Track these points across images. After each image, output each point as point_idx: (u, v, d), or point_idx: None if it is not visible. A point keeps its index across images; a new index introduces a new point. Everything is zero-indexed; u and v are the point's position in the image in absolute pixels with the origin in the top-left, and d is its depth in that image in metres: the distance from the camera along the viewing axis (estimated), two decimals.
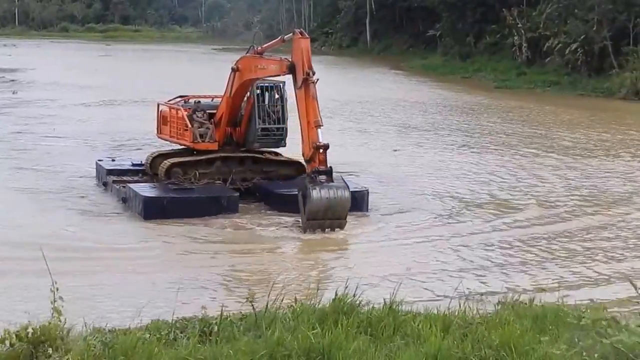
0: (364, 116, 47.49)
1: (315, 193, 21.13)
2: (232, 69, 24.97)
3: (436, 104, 55.78)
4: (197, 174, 25.21)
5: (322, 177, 21.48)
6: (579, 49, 65.58)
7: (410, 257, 19.94)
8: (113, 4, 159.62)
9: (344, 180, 22.03)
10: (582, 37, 65.35)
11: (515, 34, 75.49)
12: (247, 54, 25.15)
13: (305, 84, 21.83)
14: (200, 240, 21.00)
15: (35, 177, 28.37)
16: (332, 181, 21.60)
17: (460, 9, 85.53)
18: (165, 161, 25.66)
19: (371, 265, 18.99)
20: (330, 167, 21.77)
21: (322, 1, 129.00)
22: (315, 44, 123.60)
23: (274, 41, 24.83)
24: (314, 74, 21.89)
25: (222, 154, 25.67)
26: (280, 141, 25.35)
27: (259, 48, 24.72)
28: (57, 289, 9.14)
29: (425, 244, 21.32)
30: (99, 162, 28.10)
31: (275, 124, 25.04)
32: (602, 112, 52.64)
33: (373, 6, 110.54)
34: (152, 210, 22.60)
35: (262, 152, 26.20)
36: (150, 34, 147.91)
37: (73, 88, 59.59)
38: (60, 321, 9.12)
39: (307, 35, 22.99)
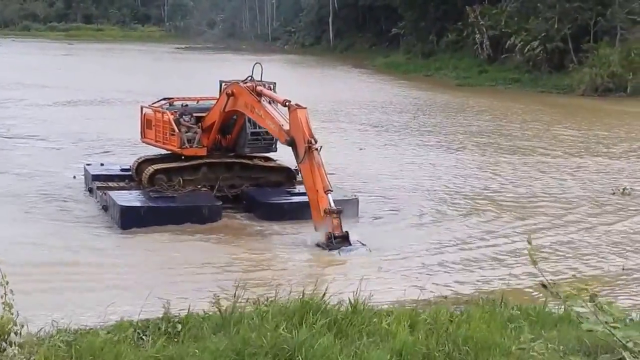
0: (338, 115, 47.44)
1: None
2: (226, 94, 23.72)
3: (406, 103, 55.68)
4: (182, 180, 24.30)
5: (339, 242, 20.23)
6: (539, 46, 66.19)
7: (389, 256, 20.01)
8: (75, 3, 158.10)
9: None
10: (542, 35, 65.97)
11: (477, 32, 75.98)
12: (242, 84, 23.49)
13: (309, 152, 20.81)
14: (176, 248, 20.64)
15: (10, 182, 27.48)
16: (350, 245, 20.33)
17: (422, 7, 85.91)
18: (148, 167, 24.74)
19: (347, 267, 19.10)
20: (347, 231, 20.52)
21: (285, 0, 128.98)
22: (278, 42, 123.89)
23: (275, 95, 23.16)
24: (316, 141, 20.94)
25: (209, 160, 24.74)
26: (271, 145, 24.52)
27: (259, 88, 23.06)
28: (7, 283, 9.11)
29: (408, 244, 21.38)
30: (87, 167, 27.22)
31: (265, 128, 23.96)
32: (578, 109, 53.00)
33: (336, 5, 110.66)
34: (130, 220, 21.84)
35: (251, 158, 25.27)
36: (113, 33, 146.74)
37: (36, 88, 58.98)
38: (11, 314, 9.10)
39: (304, 106, 21.71)
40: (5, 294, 9.17)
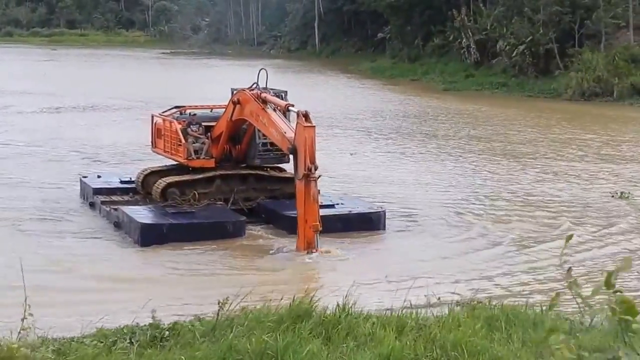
0: (338, 122, 46.99)
1: None
2: (232, 102, 22.88)
3: (402, 110, 54.95)
4: (197, 194, 23.23)
5: None
6: (525, 51, 66.37)
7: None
8: (58, 8, 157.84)
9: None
10: (528, 39, 66.17)
11: (464, 36, 76.08)
12: (248, 91, 22.66)
13: (306, 180, 20.13)
14: (189, 260, 20.20)
15: (5, 194, 26.45)
16: None
17: (407, 12, 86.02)
18: (160, 181, 23.65)
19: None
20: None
21: (270, 4, 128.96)
22: (264, 47, 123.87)
23: (278, 100, 22.32)
24: (316, 169, 20.23)
25: (222, 172, 23.74)
26: (284, 156, 23.32)
27: (263, 95, 22.24)
28: (29, 306, 8.83)
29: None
30: (84, 179, 26.06)
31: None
32: (581, 114, 52.46)
33: (321, 9, 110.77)
34: (150, 238, 20.88)
35: (266, 169, 24.34)
36: (97, 38, 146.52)
37: (22, 95, 58.40)
38: (27, 339, 8.86)
39: (313, 122, 20.59)
40: (24, 317, 8.89)
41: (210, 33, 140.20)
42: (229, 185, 23.79)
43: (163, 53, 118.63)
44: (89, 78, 73.55)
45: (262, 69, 23.17)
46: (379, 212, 23.26)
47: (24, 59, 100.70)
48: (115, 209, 22.93)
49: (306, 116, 20.46)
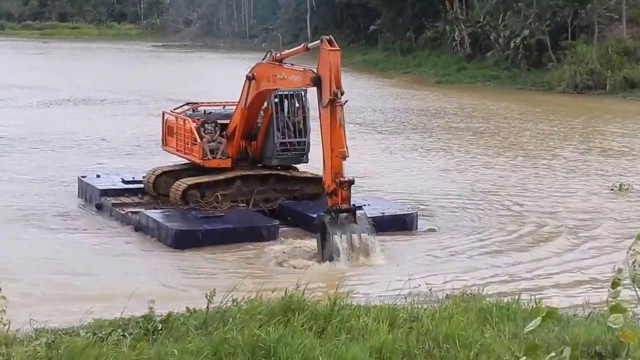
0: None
1: (337, 239, 19.12)
2: (247, 77, 22.25)
3: (399, 105, 54.32)
4: (219, 196, 22.50)
5: (344, 216, 19.53)
6: (518, 44, 66.30)
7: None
8: (50, 1, 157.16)
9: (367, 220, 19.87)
10: (522, 32, 66.07)
11: (456, 29, 75.97)
12: (264, 61, 22.29)
13: (332, 105, 19.41)
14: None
15: (7, 191, 25.99)
16: (355, 221, 19.57)
17: (399, 4, 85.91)
18: (179, 182, 22.92)
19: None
20: (354, 205, 19.93)
21: None
22: (256, 40, 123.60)
23: (295, 49, 22.19)
24: (342, 94, 19.56)
25: (242, 172, 23.06)
26: (302, 156, 23.07)
27: (278, 55, 21.88)
28: (1, 289, 8.88)
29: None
30: (84, 180, 25.27)
31: (295, 137, 22.81)
32: (588, 108, 52.00)
33: (313, 2, 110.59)
34: (186, 244, 20.47)
35: (287, 169, 23.70)
36: (89, 31, 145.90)
37: (15, 88, 57.97)
38: (4, 325, 8.90)
39: (337, 46, 20.09)
40: None
41: (202, 26, 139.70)
42: (249, 186, 23.11)
43: (155, 46, 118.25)
44: (83, 71, 73.21)
45: (275, 34, 22.97)
46: (412, 214, 22.86)
47: (16, 52, 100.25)
48: (135, 212, 22.39)
49: (330, 41, 20.08)
